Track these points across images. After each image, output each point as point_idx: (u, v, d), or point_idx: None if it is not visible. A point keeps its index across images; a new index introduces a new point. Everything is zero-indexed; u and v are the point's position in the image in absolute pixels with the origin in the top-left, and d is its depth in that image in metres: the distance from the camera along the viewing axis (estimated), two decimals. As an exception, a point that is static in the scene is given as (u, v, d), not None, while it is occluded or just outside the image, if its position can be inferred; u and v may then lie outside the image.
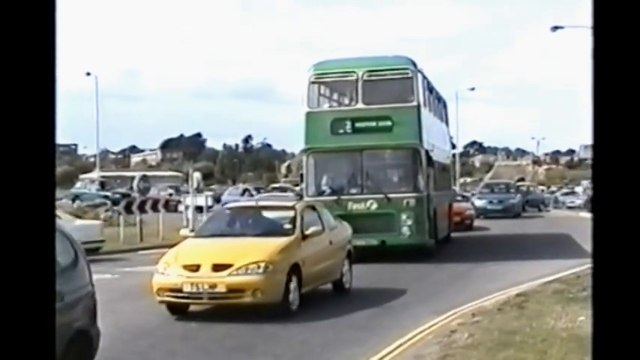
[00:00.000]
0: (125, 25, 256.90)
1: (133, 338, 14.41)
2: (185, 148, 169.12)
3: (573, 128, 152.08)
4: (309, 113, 27.92)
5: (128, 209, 38.76)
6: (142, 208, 37.63)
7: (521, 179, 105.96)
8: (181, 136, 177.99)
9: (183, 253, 17.28)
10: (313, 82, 28.31)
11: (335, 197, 27.27)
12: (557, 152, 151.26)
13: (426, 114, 29.23)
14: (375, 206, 27.08)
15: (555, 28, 52.00)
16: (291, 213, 18.75)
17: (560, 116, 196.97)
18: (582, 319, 12.99)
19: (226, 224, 19.66)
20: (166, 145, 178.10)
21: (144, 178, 49.51)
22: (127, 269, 23.74)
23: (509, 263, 25.98)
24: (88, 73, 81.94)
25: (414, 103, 27.52)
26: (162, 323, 16.02)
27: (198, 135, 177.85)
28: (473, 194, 62.09)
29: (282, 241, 17.37)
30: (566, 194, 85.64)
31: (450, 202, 36.56)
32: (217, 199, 58.55)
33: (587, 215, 22.33)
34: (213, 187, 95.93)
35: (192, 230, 20.52)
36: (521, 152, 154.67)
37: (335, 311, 17.01)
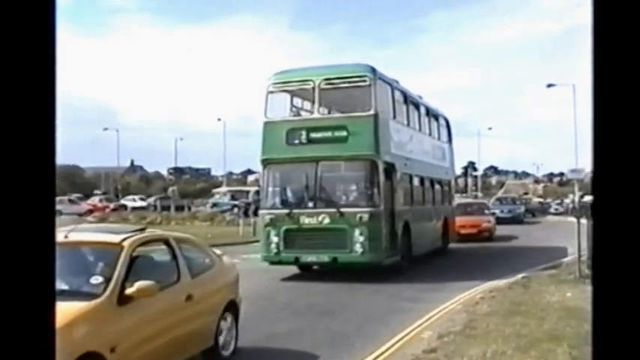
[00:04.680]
0: (245, 81, 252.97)
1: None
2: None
3: (563, 156, 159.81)
4: (266, 123, 18.07)
5: (246, 214, 40.06)
6: (255, 213, 33.45)
7: (526, 193, 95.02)
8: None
9: None
10: (271, 92, 18.34)
11: (287, 210, 17.49)
12: (552, 174, 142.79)
13: (392, 125, 18.85)
14: (327, 221, 17.08)
15: (549, 85, 55.02)
16: (116, 253, 7.29)
17: (554, 148, 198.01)
18: (569, 295, 13.23)
19: None
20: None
21: (257, 192, 48.41)
22: (244, 256, 19.57)
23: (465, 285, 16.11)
24: (219, 119, 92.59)
25: (371, 112, 17.28)
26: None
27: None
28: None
29: (73, 310, 6.17)
30: (550, 205, 78.49)
31: (447, 217, 25.25)
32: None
33: (573, 219, 20.61)
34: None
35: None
36: (526, 174, 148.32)
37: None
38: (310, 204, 17.38)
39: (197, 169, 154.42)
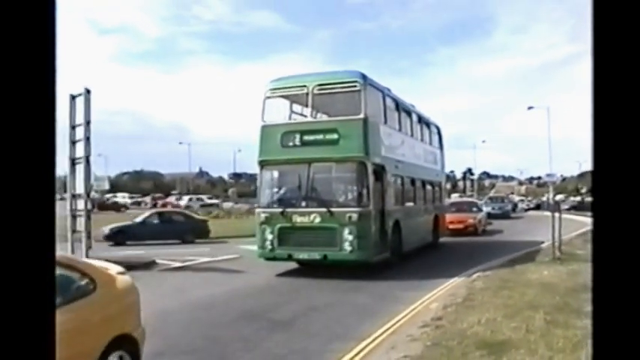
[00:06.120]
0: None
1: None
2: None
3: (541, 164, 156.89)
4: (263, 127, 14.65)
5: None
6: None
7: (512, 193, 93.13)
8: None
9: None
10: (268, 97, 14.87)
11: (281, 209, 14.05)
12: (532, 178, 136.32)
13: (383, 129, 15.26)
14: (318, 220, 13.65)
15: (529, 107, 52.84)
16: None
17: (533, 156, 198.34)
18: (545, 274, 12.73)
19: None
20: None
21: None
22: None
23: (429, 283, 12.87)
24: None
25: (361, 116, 13.78)
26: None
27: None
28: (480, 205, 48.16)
29: None
30: (522, 201, 73.81)
31: (437, 214, 21.30)
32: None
33: (548, 213, 18.30)
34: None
35: None
36: (512, 178, 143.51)
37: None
38: (303, 203, 14.01)
39: (251, 175, 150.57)
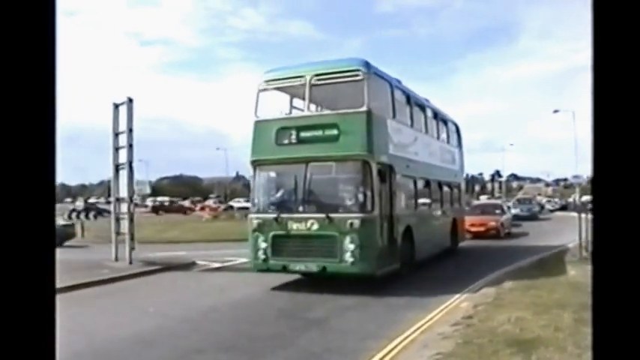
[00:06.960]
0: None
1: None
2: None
3: (567, 165, 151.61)
4: (257, 123, 12.37)
5: None
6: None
7: (539, 194, 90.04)
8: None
9: None
10: (262, 90, 12.55)
11: (275, 215, 11.79)
12: (558, 179, 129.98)
13: (391, 125, 12.83)
14: (315, 227, 11.34)
15: (555, 111, 52.11)
16: None
17: (560, 159, 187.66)
18: (573, 273, 12.22)
19: None
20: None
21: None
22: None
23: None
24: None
25: (364, 109, 11.41)
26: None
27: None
28: (509, 206, 45.13)
29: None
30: (549, 202, 69.46)
31: (456, 218, 18.73)
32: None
33: (575, 214, 17.69)
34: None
35: None
36: (539, 179, 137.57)
37: None
38: (299, 208, 11.75)
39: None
